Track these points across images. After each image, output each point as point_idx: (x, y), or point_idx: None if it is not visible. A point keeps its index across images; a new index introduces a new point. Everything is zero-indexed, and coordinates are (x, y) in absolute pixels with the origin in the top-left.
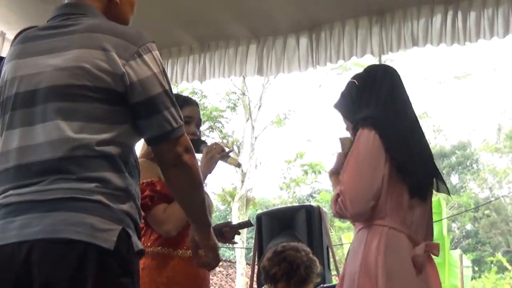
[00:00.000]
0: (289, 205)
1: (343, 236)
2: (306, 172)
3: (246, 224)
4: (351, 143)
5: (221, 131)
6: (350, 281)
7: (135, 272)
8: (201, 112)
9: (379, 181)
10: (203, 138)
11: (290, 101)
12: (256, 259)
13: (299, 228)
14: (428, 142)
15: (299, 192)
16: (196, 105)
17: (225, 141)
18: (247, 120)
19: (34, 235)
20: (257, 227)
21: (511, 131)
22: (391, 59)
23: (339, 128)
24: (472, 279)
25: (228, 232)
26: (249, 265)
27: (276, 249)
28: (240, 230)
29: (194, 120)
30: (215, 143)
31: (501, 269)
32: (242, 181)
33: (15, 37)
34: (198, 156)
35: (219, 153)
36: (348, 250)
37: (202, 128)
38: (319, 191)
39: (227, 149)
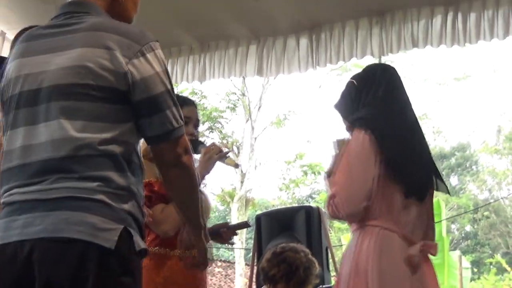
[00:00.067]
0: (288, 205)
1: (342, 237)
2: (305, 173)
3: (243, 225)
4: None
5: (220, 132)
6: (343, 283)
7: (137, 271)
8: (201, 113)
9: (371, 181)
10: (200, 139)
11: (290, 102)
12: (255, 260)
13: (298, 229)
14: (428, 143)
15: (299, 193)
16: (195, 106)
17: (224, 141)
18: (247, 121)
19: (36, 234)
20: (256, 228)
21: (510, 133)
22: (391, 60)
23: (339, 128)
24: (471, 281)
25: (226, 232)
26: (248, 265)
27: (275, 250)
28: (238, 231)
29: (192, 120)
30: (213, 144)
31: (500, 271)
32: (242, 182)
33: (15, 37)
34: (196, 156)
35: (217, 154)
36: (344, 252)
37: (202, 128)
38: (319, 192)
39: (225, 150)
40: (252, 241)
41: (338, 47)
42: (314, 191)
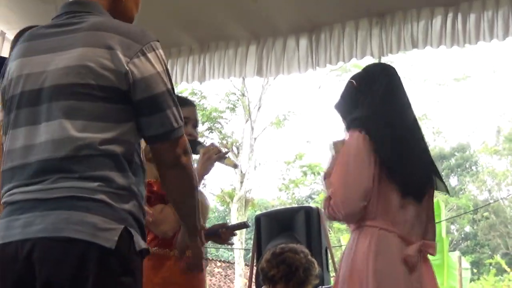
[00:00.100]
0: (288, 206)
1: (342, 238)
2: (305, 173)
3: (242, 225)
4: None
5: (220, 132)
6: (341, 283)
7: (137, 271)
8: (201, 113)
9: (368, 181)
10: (200, 139)
11: (289, 102)
12: (255, 260)
13: (298, 229)
14: (428, 143)
15: (298, 193)
16: (194, 106)
17: (224, 142)
18: (247, 121)
19: (37, 233)
20: (256, 228)
21: (510, 134)
22: (390, 61)
23: (339, 129)
24: (471, 281)
25: (224, 233)
26: (247, 266)
27: (275, 250)
28: (238, 231)
29: (191, 121)
30: (212, 144)
31: (500, 271)
32: (241, 182)
33: (15, 37)
34: (195, 157)
35: (216, 154)
36: (342, 252)
37: (201, 128)
38: (318, 192)
39: (224, 150)
40: (252, 242)
41: (338, 47)
42: (314, 191)
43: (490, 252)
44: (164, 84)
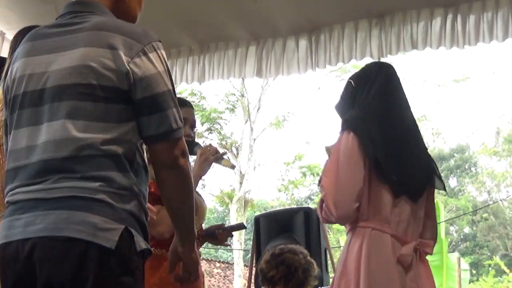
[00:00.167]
0: (287, 207)
1: (341, 238)
2: (304, 174)
3: (239, 227)
4: None
5: (219, 133)
6: (335, 285)
7: (137, 272)
8: (200, 114)
9: (359, 182)
10: (197, 140)
11: (289, 103)
12: (254, 261)
13: (297, 230)
14: (427, 145)
15: (298, 194)
16: (191, 107)
17: (223, 142)
18: (246, 122)
19: (37, 233)
20: (255, 229)
21: (509, 135)
22: (390, 62)
23: (338, 130)
24: (470, 282)
25: (221, 234)
26: (247, 267)
27: (274, 251)
28: (236, 232)
29: (188, 121)
30: (209, 145)
31: (499, 273)
32: (241, 183)
33: (15, 37)
34: (192, 157)
35: (213, 155)
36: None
37: (201, 129)
38: (318, 193)
39: (221, 151)
40: (251, 242)
41: (338, 48)
42: (313, 192)
43: (489, 253)
44: (165, 84)
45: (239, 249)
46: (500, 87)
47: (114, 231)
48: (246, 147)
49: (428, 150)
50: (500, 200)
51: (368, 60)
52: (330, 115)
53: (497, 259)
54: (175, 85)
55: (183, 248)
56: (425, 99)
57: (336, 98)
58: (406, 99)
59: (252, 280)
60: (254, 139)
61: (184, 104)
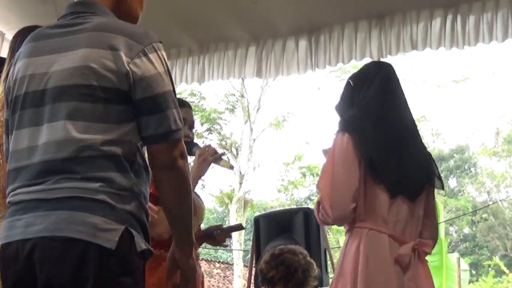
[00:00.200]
0: (287, 207)
1: (340, 239)
2: (304, 175)
3: (237, 228)
4: None
5: (219, 133)
6: (333, 285)
7: (137, 272)
8: (200, 114)
9: (355, 183)
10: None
11: (288, 104)
12: (254, 262)
13: (297, 230)
14: (426, 145)
15: (297, 195)
16: (190, 107)
17: (223, 143)
18: (246, 122)
19: (37, 233)
20: (255, 230)
21: (509, 135)
22: (390, 62)
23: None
24: (469, 283)
25: (219, 235)
26: (246, 267)
27: (274, 252)
28: (235, 233)
29: (187, 122)
30: (208, 146)
31: (499, 273)
32: (240, 183)
33: (14, 37)
34: (190, 158)
35: (212, 156)
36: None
37: (200, 129)
38: (317, 193)
39: (220, 152)
40: (251, 243)
41: (337, 49)
42: (313, 192)
43: (488, 254)
44: (165, 85)
45: (238, 250)
46: (500, 87)
47: (114, 231)
48: (245, 148)
49: (425, 146)
50: (500, 200)
51: (367, 60)
52: (330, 116)
53: (496, 259)
54: (176, 86)
55: (181, 255)
56: (425, 100)
57: (336, 98)
58: (405, 99)
59: (252, 281)
60: (254, 140)
61: (182, 104)
